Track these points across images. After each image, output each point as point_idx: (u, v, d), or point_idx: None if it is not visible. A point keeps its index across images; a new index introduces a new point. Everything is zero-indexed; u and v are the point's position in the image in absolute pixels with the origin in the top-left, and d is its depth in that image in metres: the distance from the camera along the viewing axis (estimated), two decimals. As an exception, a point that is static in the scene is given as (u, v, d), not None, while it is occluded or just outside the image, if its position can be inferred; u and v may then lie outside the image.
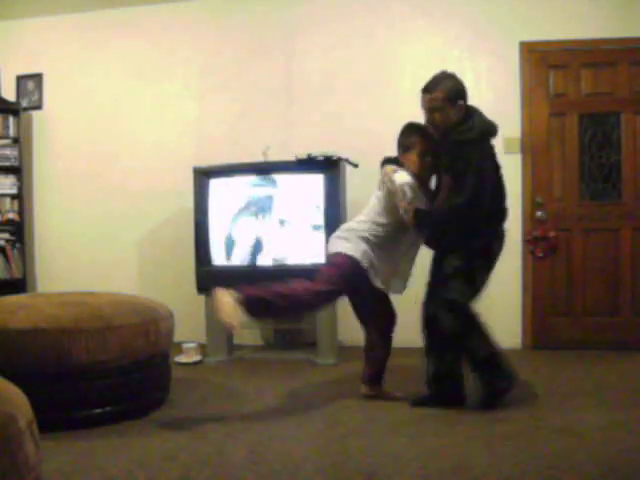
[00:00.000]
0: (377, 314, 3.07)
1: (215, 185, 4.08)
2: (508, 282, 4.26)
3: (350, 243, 2.83)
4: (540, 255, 4.21)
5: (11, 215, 4.81)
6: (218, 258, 4.07)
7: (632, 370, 3.63)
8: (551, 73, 4.26)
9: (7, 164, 4.79)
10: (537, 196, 4.27)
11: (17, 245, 4.84)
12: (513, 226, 4.27)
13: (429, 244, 2.94)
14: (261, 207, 4.02)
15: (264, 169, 4.07)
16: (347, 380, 3.52)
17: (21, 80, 5.00)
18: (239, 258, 4.06)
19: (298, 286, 2.73)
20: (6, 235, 4.83)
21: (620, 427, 2.53)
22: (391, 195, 2.84)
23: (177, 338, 3.34)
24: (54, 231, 5.00)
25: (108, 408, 2.65)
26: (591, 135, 4.27)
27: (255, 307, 2.60)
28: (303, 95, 4.57)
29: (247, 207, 4.04)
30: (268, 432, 2.62)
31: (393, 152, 4.40)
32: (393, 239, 2.88)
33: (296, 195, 4.00)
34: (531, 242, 4.20)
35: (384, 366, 3.13)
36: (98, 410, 2.63)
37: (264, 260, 4.02)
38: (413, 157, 2.98)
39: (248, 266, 4.03)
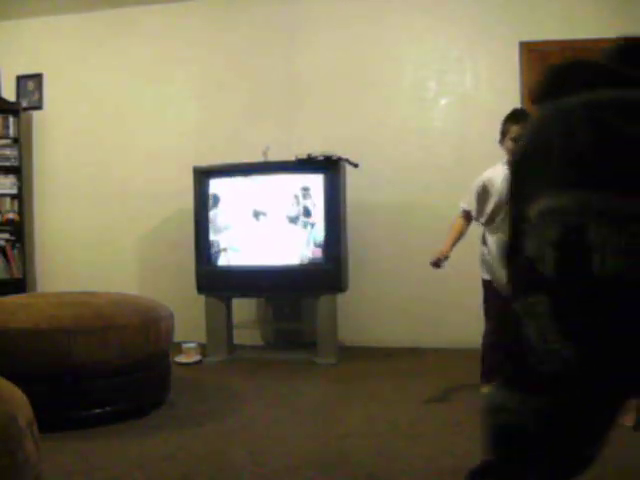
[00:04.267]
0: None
1: (215, 185, 4.08)
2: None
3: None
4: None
5: (11, 215, 4.81)
6: (217, 258, 4.07)
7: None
8: (551, 73, 4.26)
9: (7, 164, 4.79)
10: (537, 196, 4.27)
11: (17, 245, 4.84)
12: (513, 226, 4.28)
13: None
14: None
15: (264, 169, 4.07)
16: (347, 380, 3.52)
17: (21, 80, 5.00)
18: (240, 259, 4.06)
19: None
20: (6, 235, 4.82)
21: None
22: None
23: (177, 338, 3.34)
24: (54, 231, 5.00)
25: (108, 408, 2.65)
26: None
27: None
28: (303, 95, 4.56)
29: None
30: (268, 432, 2.62)
31: (392, 152, 4.43)
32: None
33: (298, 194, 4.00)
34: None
35: None
36: (98, 410, 2.63)
37: (265, 261, 4.01)
38: (508, 143, 2.88)
39: (248, 267, 4.03)
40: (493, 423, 1.15)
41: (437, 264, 3.01)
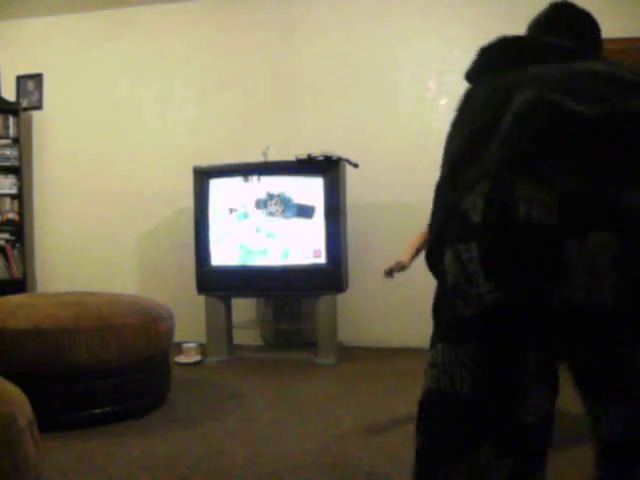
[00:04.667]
0: None
1: (215, 185, 4.08)
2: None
3: None
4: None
5: (11, 215, 4.81)
6: (217, 258, 4.07)
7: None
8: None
9: (7, 164, 4.79)
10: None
11: (17, 245, 4.84)
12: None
13: None
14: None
15: (264, 169, 4.07)
16: (347, 380, 3.52)
17: (21, 80, 5.00)
18: (240, 258, 4.06)
19: None
20: (6, 235, 4.82)
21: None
22: None
23: (177, 338, 3.34)
24: (54, 231, 5.00)
25: (108, 408, 2.65)
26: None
27: None
28: (303, 95, 4.56)
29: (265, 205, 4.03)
30: (268, 432, 2.62)
31: (392, 152, 4.43)
32: None
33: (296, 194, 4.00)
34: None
35: None
36: (98, 410, 2.63)
37: (265, 261, 4.01)
38: None
39: (248, 266, 4.03)
40: (427, 389, 1.16)
41: (390, 273, 2.77)
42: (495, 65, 1.31)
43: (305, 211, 3.96)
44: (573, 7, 1.48)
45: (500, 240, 1.06)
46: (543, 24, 1.44)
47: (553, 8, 1.49)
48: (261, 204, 4.01)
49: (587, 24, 1.45)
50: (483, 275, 1.07)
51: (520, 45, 1.32)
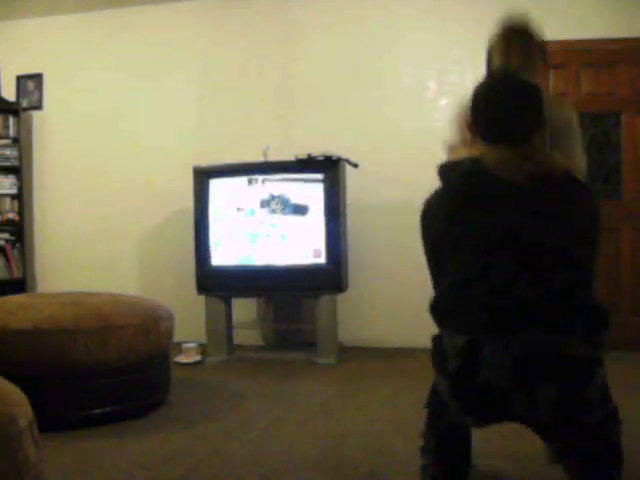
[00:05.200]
0: None
1: (215, 185, 4.08)
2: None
3: None
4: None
5: (11, 215, 4.81)
6: (217, 258, 4.07)
7: (633, 372, 3.62)
8: (551, 73, 4.26)
9: (7, 164, 4.79)
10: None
11: (17, 245, 4.84)
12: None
13: None
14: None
15: (264, 169, 4.07)
16: (347, 380, 3.52)
17: (21, 80, 5.00)
18: (240, 258, 4.06)
19: None
20: (6, 235, 4.82)
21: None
22: None
23: (177, 338, 3.34)
24: (54, 231, 5.00)
25: (108, 408, 2.65)
26: (591, 135, 4.27)
27: None
28: (303, 95, 4.56)
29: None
30: (268, 432, 2.62)
31: (392, 152, 4.43)
32: None
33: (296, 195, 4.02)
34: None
35: None
36: (98, 410, 2.63)
37: (265, 260, 4.02)
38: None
39: (248, 266, 4.03)
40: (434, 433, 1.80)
41: None
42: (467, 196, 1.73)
43: (300, 209, 4.03)
44: (512, 81, 1.77)
45: (464, 392, 1.55)
46: (483, 106, 1.76)
47: (491, 86, 1.81)
48: (265, 204, 4.05)
49: (526, 99, 1.72)
50: (454, 403, 1.62)
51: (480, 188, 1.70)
